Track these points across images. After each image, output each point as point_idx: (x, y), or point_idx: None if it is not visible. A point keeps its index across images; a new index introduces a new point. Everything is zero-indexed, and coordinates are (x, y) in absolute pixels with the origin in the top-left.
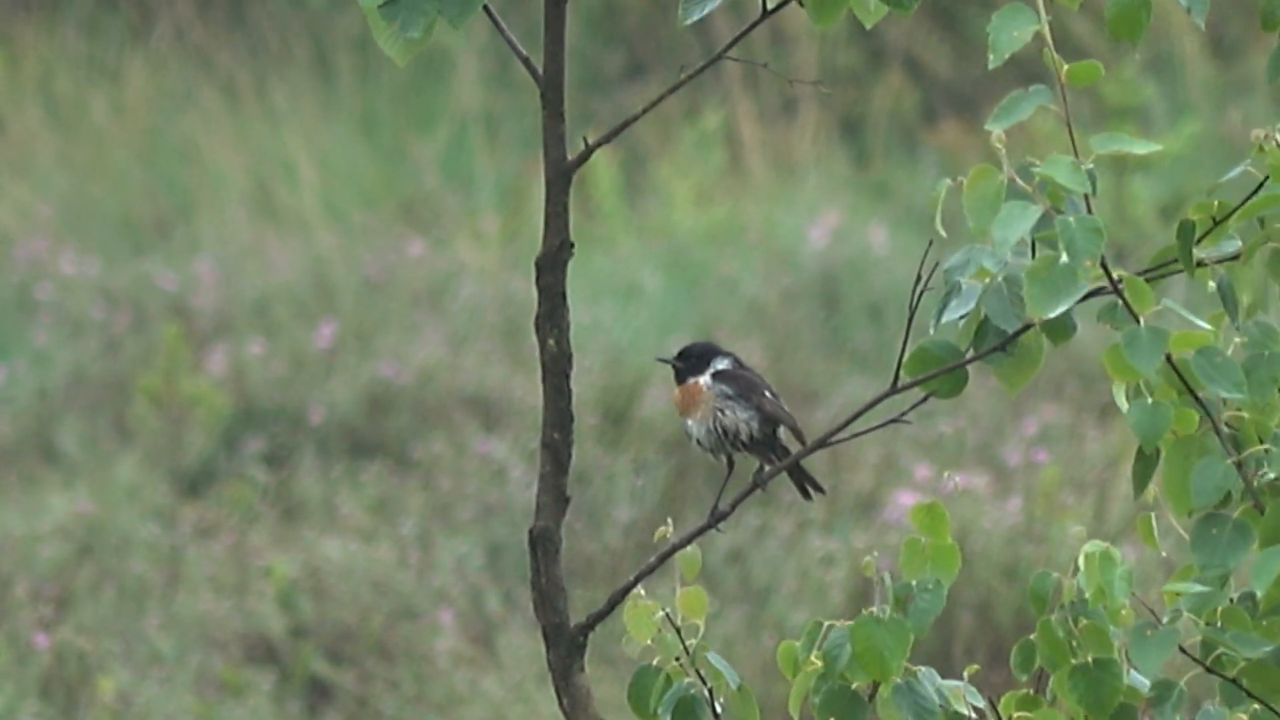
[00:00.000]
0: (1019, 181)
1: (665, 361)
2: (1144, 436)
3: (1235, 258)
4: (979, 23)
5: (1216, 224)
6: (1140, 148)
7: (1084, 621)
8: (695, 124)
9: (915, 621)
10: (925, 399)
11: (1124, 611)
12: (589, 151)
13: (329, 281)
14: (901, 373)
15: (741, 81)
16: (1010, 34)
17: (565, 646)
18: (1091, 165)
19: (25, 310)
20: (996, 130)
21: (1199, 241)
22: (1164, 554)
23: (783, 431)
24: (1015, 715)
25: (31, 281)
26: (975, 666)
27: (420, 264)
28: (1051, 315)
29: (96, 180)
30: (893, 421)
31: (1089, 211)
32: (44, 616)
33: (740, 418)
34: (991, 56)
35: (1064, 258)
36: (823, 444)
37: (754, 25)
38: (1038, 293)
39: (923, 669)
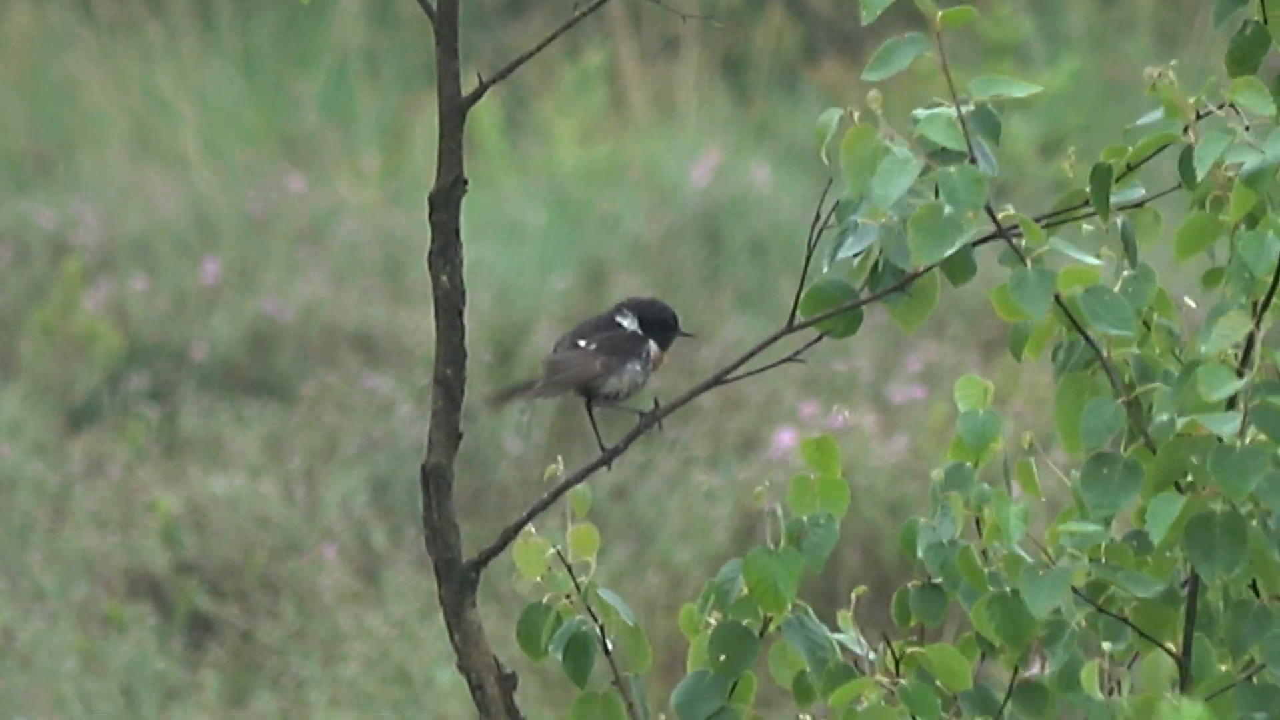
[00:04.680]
0: (896, 139)
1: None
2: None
3: (1140, 205)
4: None
5: (1130, 169)
6: (1019, 90)
7: (1004, 551)
8: (577, 62)
9: (810, 556)
10: (819, 338)
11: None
12: (483, 88)
13: (210, 219)
14: (797, 312)
15: (623, 20)
16: None
17: (457, 582)
18: (974, 108)
19: None
20: (873, 78)
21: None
22: (1043, 498)
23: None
24: (909, 650)
25: None
26: (862, 588)
27: (301, 201)
28: (935, 261)
29: None
30: (787, 360)
31: (973, 159)
32: None
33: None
34: (864, 13)
35: (946, 209)
36: (718, 381)
37: None
38: (921, 240)
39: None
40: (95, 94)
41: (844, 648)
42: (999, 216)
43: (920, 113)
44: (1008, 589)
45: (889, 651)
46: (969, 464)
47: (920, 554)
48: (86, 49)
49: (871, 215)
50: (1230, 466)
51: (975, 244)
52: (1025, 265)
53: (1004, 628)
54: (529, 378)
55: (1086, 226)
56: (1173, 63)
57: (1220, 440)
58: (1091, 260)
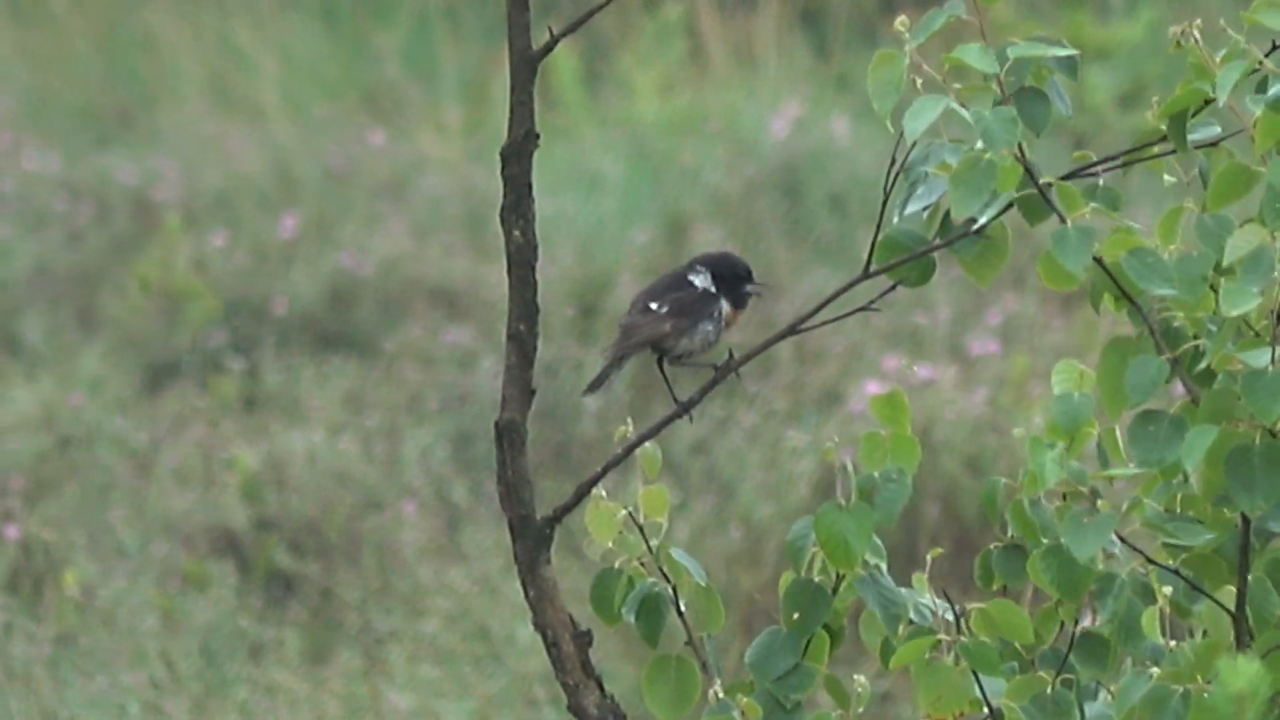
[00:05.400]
0: (925, 66)
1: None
2: None
3: (1215, 144)
4: None
5: (1207, 104)
6: (1057, 52)
7: (1058, 503)
8: (655, 14)
9: (881, 512)
10: (893, 287)
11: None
12: (554, 41)
13: (290, 173)
14: (872, 260)
15: None
16: None
17: (531, 539)
18: (1068, 55)
19: None
20: (911, 40)
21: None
22: (1130, 465)
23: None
24: (970, 607)
25: None
26: (938, 550)
27: (382, 155)
28: (974, 216)
29: (56, 72)
30: (862, 309)
31: (1004, 100)
32: (10, 509)
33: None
34: None
35: (979, 145)
36: (793, 331)
37: None
38: (960, 195)
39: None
40: (174, 47)
41: (919, 611)
42: (1040, 180)
43: (961, 50)
44: (1063, 540)
45: (952, 609)
46: (1060, 443)
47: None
48: (165, 2)
49: (941, 168)
50: (1261, 389)
51: (1009, 206)
52: (1065, 224)
53: (1059, 579)
54: (611, 357)
55: (1168, 178)
56: (1197, 21)
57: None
58: (1132, 224)
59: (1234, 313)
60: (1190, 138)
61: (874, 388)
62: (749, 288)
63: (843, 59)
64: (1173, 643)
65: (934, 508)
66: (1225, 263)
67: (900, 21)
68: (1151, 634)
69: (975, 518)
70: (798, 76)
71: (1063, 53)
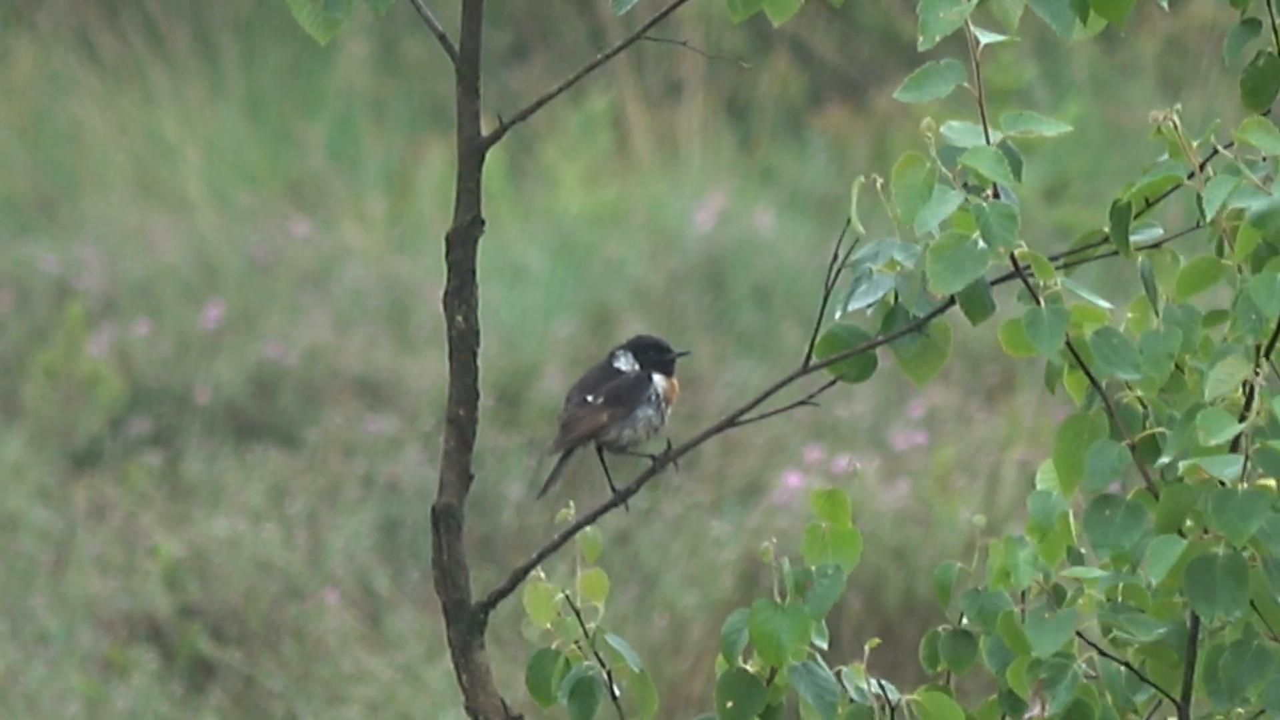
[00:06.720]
0: (944, 171)
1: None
2: None
3: (1157, 245)
4: (866, 7)
5: (1150, 205)
6: (1049, 129)
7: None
8: (582, 106)
9: (813, 607)
10: (833, 382)
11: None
12: (503, 129)
13: (214, 262)
14: (812, 355)
15: (628, 64)
16: (939, 14)
17: (466, 623)
18: (1010, 145)
19: None
20: (905, 99)
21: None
22: (1082, 549)
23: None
24: (909, 698)
25: None
26: (876, 640)
27: (306, 245)
28: (953, 291)
29: None
30: (800, 404)
31: (998, 195)
32: None
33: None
34: (921, 38)
35: (979, 244)
36: (732, 423)
37: (675, 5)
38: (941, 270)
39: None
40: (98, 137)
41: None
42: (1015, 254)
43: (948, 128)
44: (1027, 635)
45: (881, 698)
46: (1032, 542)
47: (963, 603)
48: (90, 92)
49: (887, 268)
50: (1232, 510)
51: (992, 283)
52: (1039, 303)
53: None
54: (556, 454)
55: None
56: (1177, 106)
57: (1222, 484)
58: (1102, 303)
59: (1214, 441)
60: (1133, 239)
61: (794, 480)
62: (670, 355)
63: (768, 151)
64: None
65: (857, 599)
66: (1208, 398)
67: (925, 125)
68: None
69: (898, 609)
70: (722, 169)
71: (1054, 130)
